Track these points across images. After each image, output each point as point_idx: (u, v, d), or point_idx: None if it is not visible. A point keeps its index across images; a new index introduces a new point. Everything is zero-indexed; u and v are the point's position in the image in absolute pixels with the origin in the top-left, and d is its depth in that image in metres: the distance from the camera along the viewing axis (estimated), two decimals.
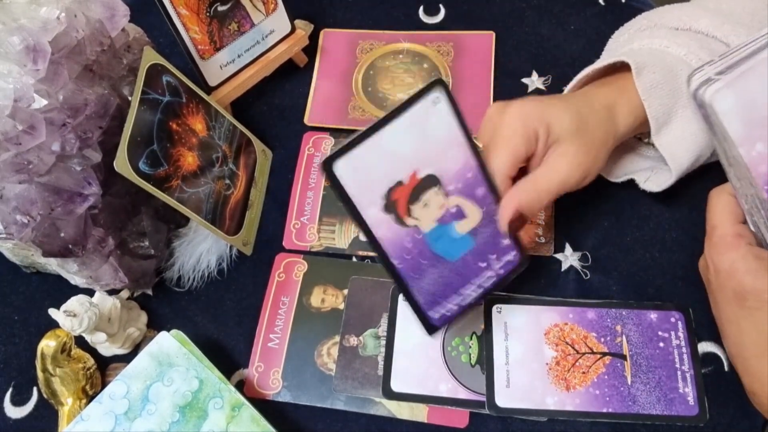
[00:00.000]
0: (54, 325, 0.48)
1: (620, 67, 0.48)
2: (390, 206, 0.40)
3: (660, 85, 0.46)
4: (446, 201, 0.42)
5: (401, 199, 0.40)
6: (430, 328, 0.46)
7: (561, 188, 0.44)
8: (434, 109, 0.39)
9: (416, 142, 0.40)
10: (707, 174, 0.49)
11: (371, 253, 0.56)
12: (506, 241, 0.45)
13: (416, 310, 0.44)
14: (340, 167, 0.38)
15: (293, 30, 0.63)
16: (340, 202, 0.39)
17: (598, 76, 0.50)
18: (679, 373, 0.48)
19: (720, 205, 0.45)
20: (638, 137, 0.52)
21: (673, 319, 0.50)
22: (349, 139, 0.38)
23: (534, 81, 0.64)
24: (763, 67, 0.40)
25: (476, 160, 0.42)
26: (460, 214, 0.43)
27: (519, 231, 0.45)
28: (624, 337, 0.50)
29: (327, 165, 0.38)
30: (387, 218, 0.41)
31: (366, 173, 0.39)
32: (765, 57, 0.40)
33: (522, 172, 0.45)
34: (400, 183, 0.40)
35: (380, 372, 0.50)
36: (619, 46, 0.54)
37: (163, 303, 0.56)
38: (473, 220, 0.43)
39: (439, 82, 0.39)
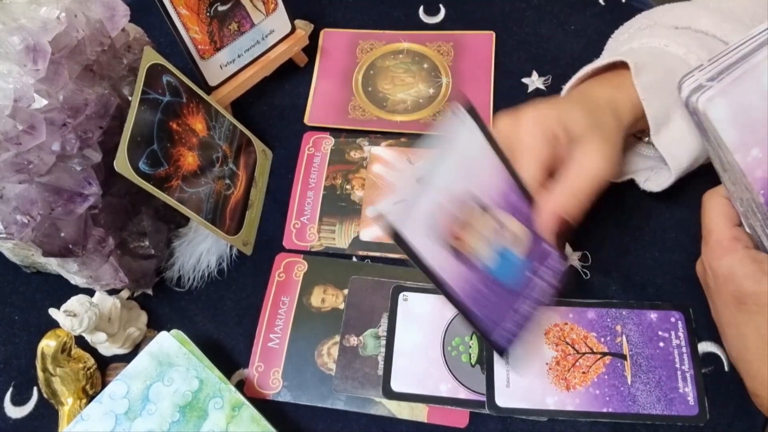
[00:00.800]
0: (54, 324, 0.48)
1: (619, 66, 0.48)
2: (445, 240, 0.39)
3: (659, 84, 0.46)
4: (496, 225, 0.40)
5: (453, 231, 0.39)
6: (500, 350, 0.45)
7: (595, 185, 0.43)
8: (463, 128, 0.38)
9: (458, 172, 0.38)
10: (707, 174, 0.49)
11: (371, 253, 0.56)
12: (544, 245, 0.43)
13: (483, 336, 0.43)
14: (403, 227, 0.37)
15: (293, 30, 0.63)
16: (410, 262, 0.38)
17: (596, 74, 0.50)
18: (679, 373, 0.48)
19: (714, 209, 0.44)
20: (638, 137, 0.52)
21: (673, 319, 0.50)
22: (397, 196, 0.37)
23: (534, 81, 0.64)
24: (755, 71, 0.39)
25: (514, 179, 0.40)
26: (511, 239, 0.41)
27: (566, 237, 0.43)
28: (624, 337, 0.50)
29: (392, 229, 0.36)
30: (444, 252, 0.39)
31: (420, 223, 0.37)
32: (757, 61, 0.39)
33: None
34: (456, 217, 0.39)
35: (380, 372, 0.50)
36: (619, 45, 0.54)
37: (163, 303, 0.56)
38: (525, 241, 0.42)
39: (462, 105, 0.37)
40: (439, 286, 0.40)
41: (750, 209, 0.42)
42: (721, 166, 0.43)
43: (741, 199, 0.42)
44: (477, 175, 0.39)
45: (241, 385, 0.51)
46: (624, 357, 0.49)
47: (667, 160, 0.48)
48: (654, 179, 0.51)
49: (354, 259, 0.57)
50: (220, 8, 0.56)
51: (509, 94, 0.63)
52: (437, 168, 0.37)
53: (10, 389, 0.53)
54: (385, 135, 0.62)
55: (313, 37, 0.68)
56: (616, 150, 0.44)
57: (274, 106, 0.66)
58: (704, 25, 0.49)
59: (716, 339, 0.49)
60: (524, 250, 0.42)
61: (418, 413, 0.49)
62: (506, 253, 0.42)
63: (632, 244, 0.54)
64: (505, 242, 0.41)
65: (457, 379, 0.49)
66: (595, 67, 0.49)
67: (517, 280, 0.43)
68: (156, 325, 0.55)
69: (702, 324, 0.50)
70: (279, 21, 0.61)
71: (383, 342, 0.51)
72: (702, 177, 0.51)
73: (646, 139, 0.52)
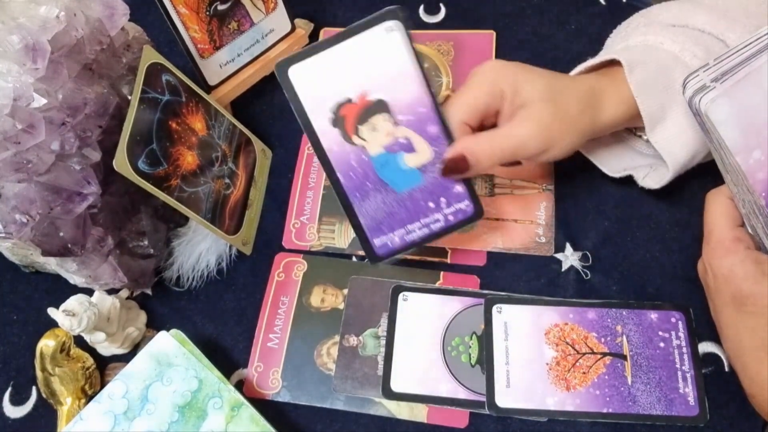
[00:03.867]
0: (53, 324, 0.48)
1: (614, 63, 0.48)
2: (338, 121, 0.42)
3: (652, 82, 0.46)
4: (395, 130, 0.43)
5: (349, 116, 0.42)
6: (373, 256, 0.47)
7: (516, 150, 0.44)
8: (388, 37, 0.41)
9: (368, 66, 0.41)
10: (708, 174, 0.49)
11: None
12: (459, 188, 0.45)
13: (359, 234, 0.46)
14: (294, 73, 0.41)
15: (293, 29, 0.63)
16: (292, 107, 0.41)
17: (592, 70, 0.50)
18: (679, 373, 0.48)
19: (717, 209, 0.45)
20: (638, 135, 0.52)
21: (673, 319, 0.50)
22: (304, 49, 0.40)
23: None
24: (759, 74, 0.39)
25: (430, 98, 0.43)
26: (409, 147, 0.44)
27: (457, 177, 0.45)
28: (624, 337, 0.49)
29: (282, 68, 0.40)
30: (334, 132, 0.43)
31: (317, 84, 0.41)
32: (761, 63, 0.39)
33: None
34: (349, 100, 0.42)
35: (380, 372, 0.50)
36: (614, 44, 0.54)
37: (162, 303, 0.56)
38: (422, 156, 0.44)
39: (395, 12, 0.40)
40: (320, 155, 0.43)
41: (752, 211, 0.42)
42: (724, 168, 0.43)
43: (743, 200, 0.42)
44: (392, 87, 0.42)
45: (240, 385, 0.51)
46: (624, 357, 0.49)
47: (664, 156, 0.48)
48: (652, 176, 0.51)
49: (354, 258, 0.56)
50: (220, 7, 0.56)
51: None
52: (346, 50, 0.41)
53: (9, 389, 0.53)
54: None
55: (313, 36, 0.68)
56: (558, 129, 0.44)
57: (274, 106, 0.65)
58: (700, 23, 0.49)
59: (716, 339, 0.49)
60: (418, 165, 0.44)
61: (418, 413, 0.49)
62: (397, 156, 0.44)
63: (632, 244, 0.54)
64: (400, 148, 0.44)
65: (457, 379, 0.49)
66: (588, 65, 0.49)
67: (408, 193, 0.45)
68: (155, 324, 0.55)
69: (702, 324, 0.50)
70: (279, 20, 0.61)
71: (383, 342, 0.51)
72: (702, 177, 0.51)
73: (645, 137, 0.51)
